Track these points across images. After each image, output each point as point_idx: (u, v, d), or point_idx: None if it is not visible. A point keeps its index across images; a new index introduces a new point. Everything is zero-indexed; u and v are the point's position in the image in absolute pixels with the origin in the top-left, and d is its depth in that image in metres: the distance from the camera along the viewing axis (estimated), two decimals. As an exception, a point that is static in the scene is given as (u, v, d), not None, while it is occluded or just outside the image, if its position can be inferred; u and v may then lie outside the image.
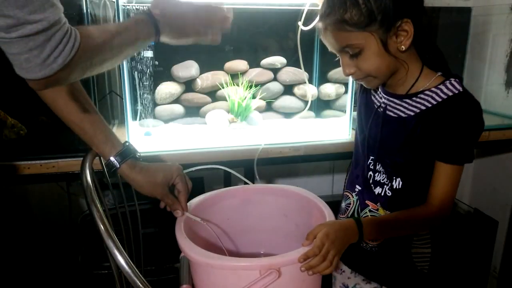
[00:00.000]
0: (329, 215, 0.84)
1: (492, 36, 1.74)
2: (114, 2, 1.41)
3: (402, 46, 0.78)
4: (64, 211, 1.61)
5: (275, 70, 1.58)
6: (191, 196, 0.94)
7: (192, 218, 0.87)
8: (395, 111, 0.86)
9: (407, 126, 0.83)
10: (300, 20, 1.21)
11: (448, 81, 0.81)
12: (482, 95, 1.81)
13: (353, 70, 0.81)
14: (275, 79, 1.58)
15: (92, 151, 0.89)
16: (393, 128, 0.86)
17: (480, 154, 1.92)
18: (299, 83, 1.57)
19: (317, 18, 0.83)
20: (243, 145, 1.28)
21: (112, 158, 0.86)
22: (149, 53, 1.38)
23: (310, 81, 1.61)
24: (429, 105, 0.81)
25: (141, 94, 1.41)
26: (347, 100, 1.39)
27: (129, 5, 1.29)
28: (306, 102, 1.53)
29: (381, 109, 0.88)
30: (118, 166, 0.86)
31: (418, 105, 0.82)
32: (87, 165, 0.86)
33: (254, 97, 1.50)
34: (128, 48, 0.73)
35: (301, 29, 1.20)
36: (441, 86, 0.81)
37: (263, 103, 1.55)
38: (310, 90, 1.55)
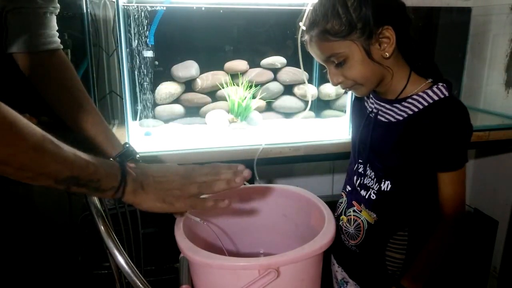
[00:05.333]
0: (328, 215, 0.84)
1: (492, 36, 1.74)
2: (114, 2, 1.41)
3: (386, 53, 0.79)
4: (64, 211, 1.61)
5: (275, 70, 1.58)
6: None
7: (191, 218, 0.87)
8: (386, 115, 0.87)
9: (396, 131, 0.84)
10: (300, 20, 1.21)
11: (435, 86, 0.81)
12: (482, 95, 1.81)
13: (340, 79, 0.83)
14: (275, 79, 1.58)
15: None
16: (383, 132, 0.87)
17: (480, 154, 1.92)
18: (299, 83, 1.57)
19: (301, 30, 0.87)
20: (243, 145, 1.28)
21: (112, 159, 0.86)
22: (149, 53, 1.38)
23: (310, 81, 1.61)
24: (416, 110, 0.82)
25: (141, 94, 1.42)
26: (347, 100, 1.40)
27: (129, 5, 1.29)
28: (306, 102, 1.53)
29: (373, 114, 0.90)
30: (118, 166, 0.86)
31: (406, 110, 0.83)
32: (87, 165, 0.86)
33: (254, 97, 1.50)
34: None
35: (302, 29, 1.20)
36: (428, 91, 0.81)
37: (263, 103, 1.55)
38: (310, 90, 1.55)
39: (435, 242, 0.84)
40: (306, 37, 0.84)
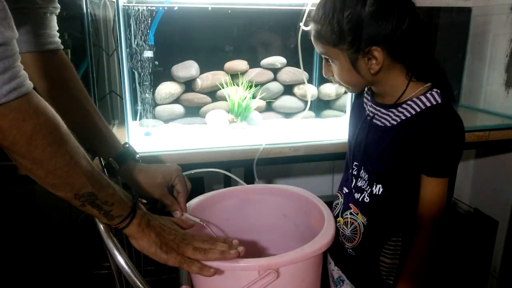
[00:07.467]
0: (328, 215, 0.84)
1: (492, 36, 1.74)
2: (114, 2, 1.41)
3: (371, 70, 0.80)
4: (64, 211, 1.61)
5: (275, 70, 1.58)
6: (192, 195, 0.94)
7: (191, 219, 0.87)
8: (382, 120, 0.87)
9: (389, 135, 0.84)
10: (301, 21, 1.21)
11: (429, 92, 0.81)
12: (482, 95, 1.81)
13: (330, 74, 0.88)
14: (275, 79, 1.58)
15: (91, 151, 0.89)
16: (377, 136, 0.87)
17: (480, 154, 1.92)
18: (299, 83, 1.57)
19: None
20: (243, 145, 1.28)
21: (111, 159, 0.86)
22: (149, 53, 1.38)
23: (310, 81, 1.61)
24: (409, 115, 0.82)
25: (141, 94, 1.42)
26: (347, 100, 1.39)
27: (129, 5, 1.29)
28: (306, 102, 1.53)
29: (369, 117, 0.90)
30: (118, 167, 0.86)
31: (400, 115, 0.84)
32: (87, 165, 0.86)
33: (254, 97, 1.50)
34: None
35: (302, 29, 1.20)
36: (422, 97, 0.81)
37: (263, 103, 1.55)
38: (310, 90, 1.55)
39: (414, 259, 0.84)
40: (309, 27, 0.87)
